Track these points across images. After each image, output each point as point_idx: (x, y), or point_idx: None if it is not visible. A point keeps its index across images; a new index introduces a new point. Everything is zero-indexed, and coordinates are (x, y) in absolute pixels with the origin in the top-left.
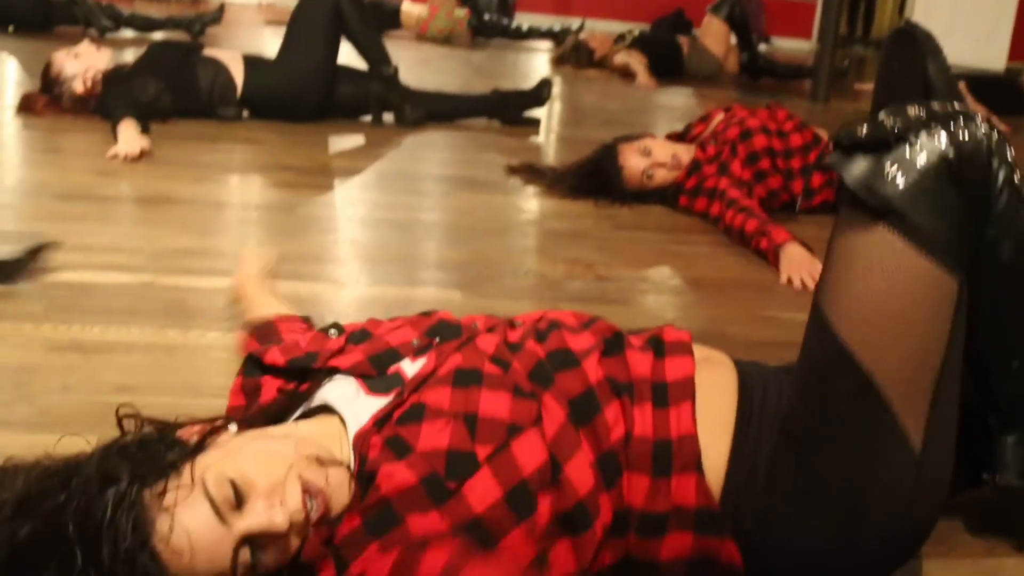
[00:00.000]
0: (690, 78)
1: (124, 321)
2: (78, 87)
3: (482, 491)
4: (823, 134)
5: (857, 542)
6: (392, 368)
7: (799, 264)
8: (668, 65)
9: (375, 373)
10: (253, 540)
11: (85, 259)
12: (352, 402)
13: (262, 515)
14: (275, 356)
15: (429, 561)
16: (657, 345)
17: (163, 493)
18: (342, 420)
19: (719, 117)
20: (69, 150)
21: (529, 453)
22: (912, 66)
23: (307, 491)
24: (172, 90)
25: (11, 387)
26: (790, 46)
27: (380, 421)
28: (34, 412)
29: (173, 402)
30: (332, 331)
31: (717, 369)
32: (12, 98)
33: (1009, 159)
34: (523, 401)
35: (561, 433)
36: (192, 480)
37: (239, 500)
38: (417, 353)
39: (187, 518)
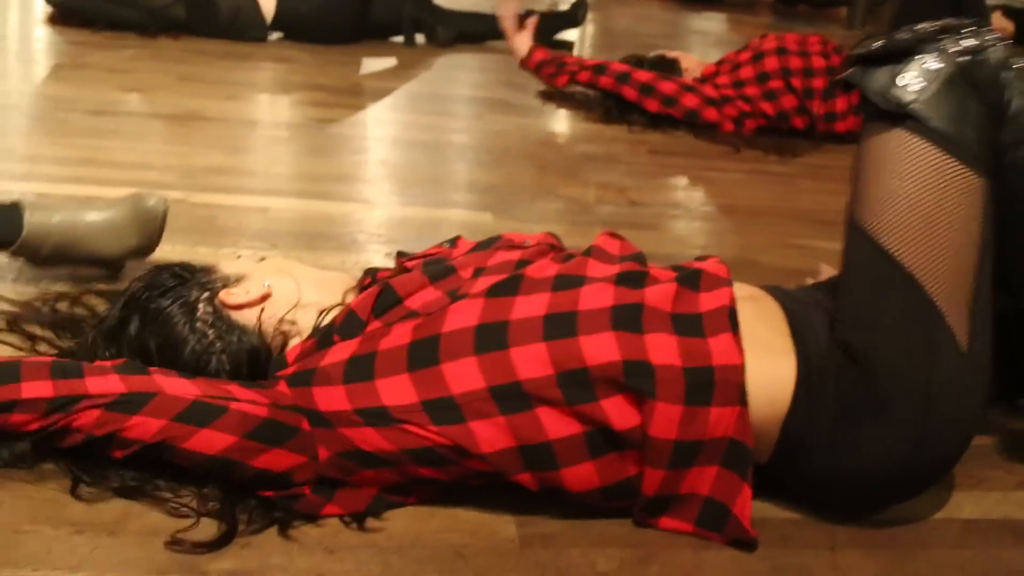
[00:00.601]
0: (726, 4)
1: None
2: None
3: (399, 333)
4: None
5: (919, 451)
6: None
7: None
8: None
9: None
10: None
11: (116, 175)
12: None
13: None
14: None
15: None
16: (693, 278)
17: None
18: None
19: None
20: (99, 65)
21: (461, 318)
22: None
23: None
24: (187, 7)
25: None
26: None
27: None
28: None
29: None
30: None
31: (761, 303)
32: (41, 14)
33: (1015, 66)
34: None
35: (522, 323)
36: None
37: None
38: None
39: None
